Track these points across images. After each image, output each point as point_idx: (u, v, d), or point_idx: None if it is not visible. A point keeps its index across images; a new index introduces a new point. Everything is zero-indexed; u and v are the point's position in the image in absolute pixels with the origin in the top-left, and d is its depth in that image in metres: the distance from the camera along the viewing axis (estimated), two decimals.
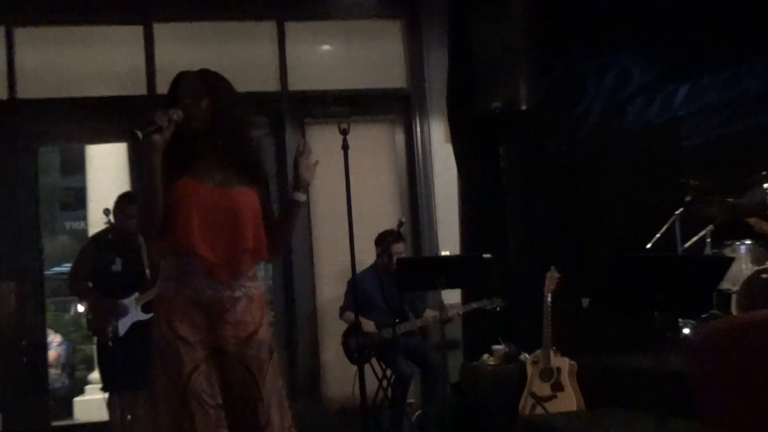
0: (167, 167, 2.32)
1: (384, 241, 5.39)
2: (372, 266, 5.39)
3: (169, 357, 2.31)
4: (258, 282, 2.50)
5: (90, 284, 4.94)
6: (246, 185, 2.47)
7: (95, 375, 6.95)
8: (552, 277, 5.07)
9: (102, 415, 5.15)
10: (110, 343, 4.82)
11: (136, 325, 4.86)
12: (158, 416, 2.32)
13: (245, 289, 2.41)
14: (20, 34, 5.71)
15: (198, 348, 2.32)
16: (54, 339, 7.83)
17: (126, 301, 4.83)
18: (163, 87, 5.72)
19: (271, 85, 5.99)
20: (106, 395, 4.96)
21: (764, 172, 5.27)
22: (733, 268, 4.86)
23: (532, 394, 4.93)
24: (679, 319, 5.12)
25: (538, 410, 4.84)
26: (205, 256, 2.33)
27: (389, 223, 5.61)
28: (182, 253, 2.36)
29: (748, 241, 5.21)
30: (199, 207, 2.36)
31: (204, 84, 2.48)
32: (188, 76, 2.53)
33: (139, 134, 2.23)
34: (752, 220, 5.18)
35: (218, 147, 2.46)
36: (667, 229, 5.45)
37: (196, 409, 2.26)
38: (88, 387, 7.44)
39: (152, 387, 2.39)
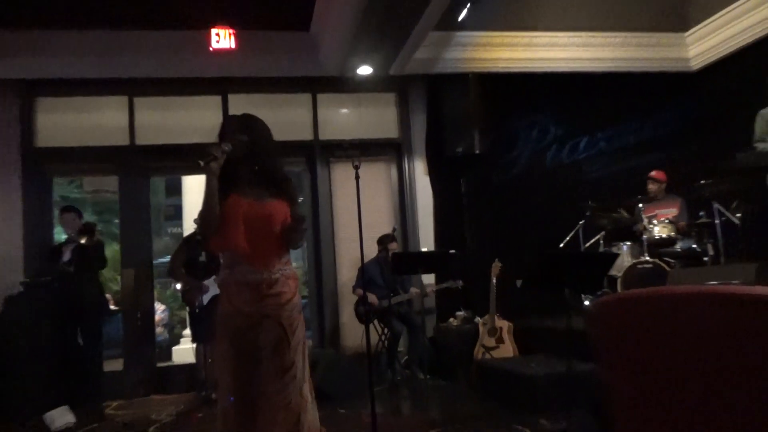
0: (219, 187, 2.21)
1: (383, 241, 5.40)
2: (375, 258, 5.38)
3: (229, 324, 2.22)
4: (291, 265, 2.35)
5: (183, 270, 4.94)
6: (276, 198, 2.30)
7: (187, 331, 6.92)
8: (496, 266, 5.11)
9: (191, 358, 5.14)
10: (197, 310, 4.83)
11: (215, 298, 4.85)
12: (220, 367, 2.24)
13: (282, 271, 2.28)
14: (138, 102, 5.72)
15: (250, 316, 2.20)
16: (159, 307, 7.81)
17: (208, 282, 4.83)
18: None
19: (307, 135, 6.00)
20: (194, 345, 4.96)
21: (638, 197, 5.31)
22: (618, 261, 4.89)
23: (483, 345, 4.94)
24: (582, 295, 5.12)
25: (487, 356, 4.86)
26: (247, 253, 2.22)
27: (387, 229, 5.62)
28: (231, 248, 2.24)
29: (628, 243, 5.23)
30: (244, 217, 2.22)
31: (245, 123, 2.34)
32: (233, 118, 2.42)
33: (201, 163, 2.16)
34: (637, 226, 5.20)
35: (255, 170, 2.31)
36: (573, 234, 5.48)
37: (243, 360, 2.16)
38: (182, 339, 7.41)
39: (216, 346, 2.32)
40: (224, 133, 2.33)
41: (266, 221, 2.26)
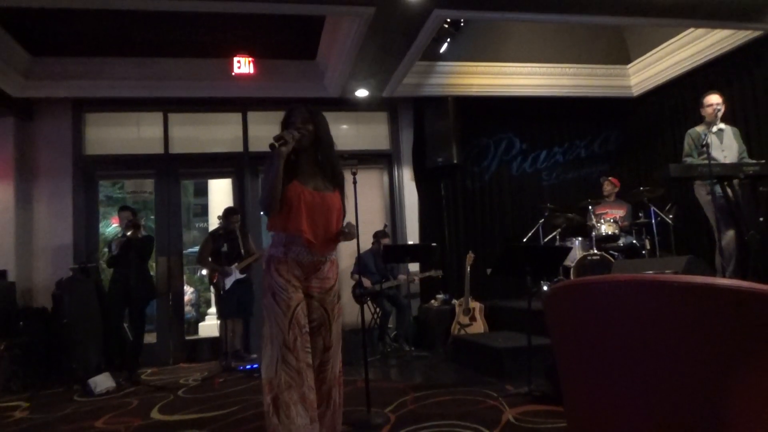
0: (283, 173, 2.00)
1: (377, 235, 5.38)
2: (369, 249, 5.36)
3: (283, 295, 1.99)
4: (335, 252, 2.19)
5: (209, 259, 4.90)
6: (333, 191, 2.11)
7: (212, 310, 6.90)
8: (470, 256, 5.10)
9: (215, 333, 5.11)
10: (221, 292, 4.80)
11: (236, 282, 4.84)
12: (270, 334, 1.99)
13: (330, 256, 2.12)
14: (172, 117, 5.66)
15: (300, 291, 2.02)
16: (188, 289, 7.75)
17: (230, 268, 4.80)
18: (252, 148, 5.71)
19: None
20: (218, 322, 4.92)
21: (589, 200, 5.32)
22: (571, 253, 4.91)
23: (458, 323, 4.94)
24: (541, 281, 5.14)
25: (462, 332, 4.85)
26: (308, 238, 2.02)
27: (379, 225, 5.60)
28: (292, 231, 2.02)
29: (580, 238, 5.25)
30: (305, 203, 2.02)
31: (309, 114, 2.11)
32: (299, 108, 2.14)
33: (275, 145, 1.95)
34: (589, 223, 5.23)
35: (317, 160, 2.09)
36: (534, 230, 5.48)
37: (296, 331, 1.97)
38: (207, 317, 7.38)
39: (267, 315, 2.02)
40: (290, 122, 2.09)
41: (324, 210, 2.07)
